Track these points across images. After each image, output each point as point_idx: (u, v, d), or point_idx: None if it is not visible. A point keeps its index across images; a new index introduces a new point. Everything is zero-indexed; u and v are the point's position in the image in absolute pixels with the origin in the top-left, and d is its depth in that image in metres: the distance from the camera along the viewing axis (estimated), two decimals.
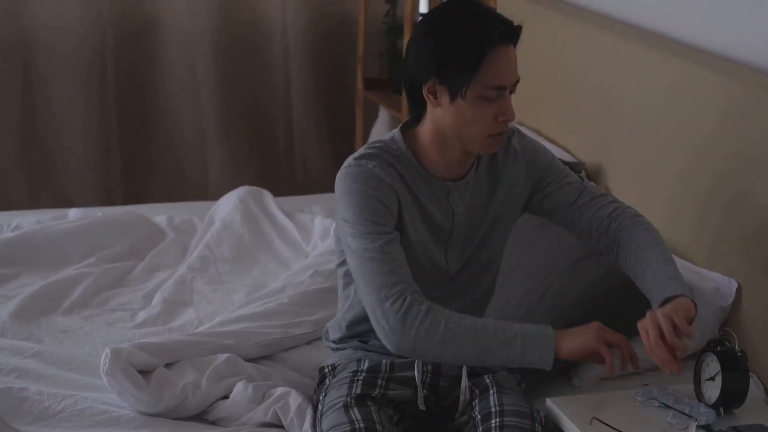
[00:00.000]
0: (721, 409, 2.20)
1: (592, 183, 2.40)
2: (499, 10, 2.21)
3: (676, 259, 2.77)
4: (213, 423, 2.41)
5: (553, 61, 3.58)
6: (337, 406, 2.16)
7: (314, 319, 2.74)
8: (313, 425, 2.26)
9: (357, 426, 2.09)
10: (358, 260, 2.11)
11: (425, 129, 2.20)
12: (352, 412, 2.13)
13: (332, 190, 2.27)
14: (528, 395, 2.29)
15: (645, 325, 2.11)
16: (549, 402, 2.27)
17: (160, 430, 2.33)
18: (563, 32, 3.52)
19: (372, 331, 2.30)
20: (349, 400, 2.16)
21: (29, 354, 2.61)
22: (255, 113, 4.95)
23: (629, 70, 3.11)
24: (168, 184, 4.87)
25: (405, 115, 2.33)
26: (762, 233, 2.53)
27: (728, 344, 2.21)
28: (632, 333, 2.64)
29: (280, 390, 2.39)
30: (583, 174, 3.25)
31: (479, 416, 2.17)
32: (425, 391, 2.25)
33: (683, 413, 2.18)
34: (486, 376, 2.26)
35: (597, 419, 2.15)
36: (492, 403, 2.17)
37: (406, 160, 2.21)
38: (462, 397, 2.25)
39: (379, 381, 2.24)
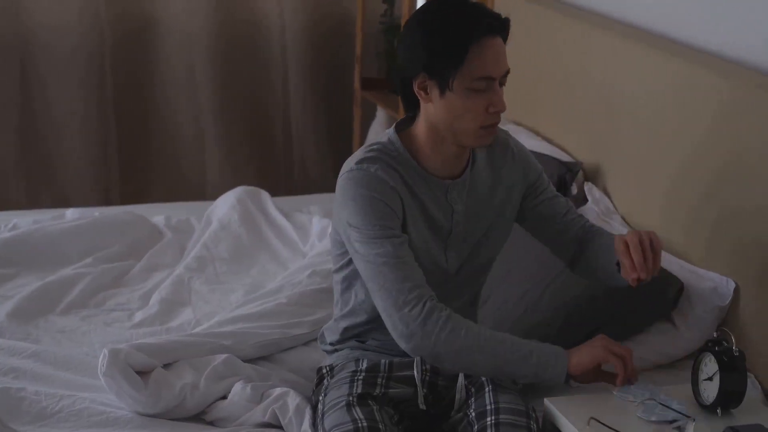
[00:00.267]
0: (719, 410, 2.20)
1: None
2: (497, 10, 2.22)
3: (674, 258, 2.78)
4: (211, 423, 2.41)
5: (552, 61, 3.58)
6: (339, 406, 2.16)
7: (312, 320, 2.74)
8: (314, 425, 2.26)
9: (360, 425, 2.09)
10: (371, 266, 2.13)
11: (420, 127, 2.22)
12: (354, 411, 2.13)
13: (330, 190, 2.27)
14: (525, 395, 2.29)
15: (623, 237, 2.16)
16: (547, 402, 2.27)
17: (158, 431, 2.33)
18: (562, 32, 3.52)
19: (370, 332, 2.31)
20: (351, 399, 2.17)
21: (27, 354, 2.61)
22: (253, 113, 4.94)
23: (628, 70, 3.11)
24: (166, 184, 4.87)
25: (402, 115, 2.33)
26: (760, 233, 2.53)
27: (726, 344, 2.21)
28: (631, 333, 2.66)
29: (278, 390, 2.39)
30: (580, 175, 3.27)
31: (474, 414, 2.18)
32: (424, 390, 2.25)
33: (682, 413, 2.18)
34: None
35: (595, 419, 2.15)
36: (488, 401, 2.18)
37: (404, 161, 2.21)
38: (458, 395, 2.25)
39: (379, 380, 2.25)
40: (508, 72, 2.16)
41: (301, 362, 2.62)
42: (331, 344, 2.39)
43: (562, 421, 2.19)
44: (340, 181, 2.19)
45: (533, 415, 2.17)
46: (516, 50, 3.78)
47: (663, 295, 2.63)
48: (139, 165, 4.85)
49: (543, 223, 2.39)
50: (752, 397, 2.32)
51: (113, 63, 4.67)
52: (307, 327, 2.71)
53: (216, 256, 3.27)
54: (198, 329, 2.73)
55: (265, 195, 3.63)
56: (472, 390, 2.24)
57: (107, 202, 4.72)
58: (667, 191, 2.91)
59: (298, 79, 4.93)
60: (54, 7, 4.52)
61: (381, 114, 4.82)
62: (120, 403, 2.40)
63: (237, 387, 2.41)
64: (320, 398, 2.27)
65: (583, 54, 3.37)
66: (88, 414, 2.36)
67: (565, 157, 3.36)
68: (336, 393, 2.22)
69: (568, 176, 3.25)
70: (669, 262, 2.76)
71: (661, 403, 2.20)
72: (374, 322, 2.28)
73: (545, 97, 3.63)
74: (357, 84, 4.82)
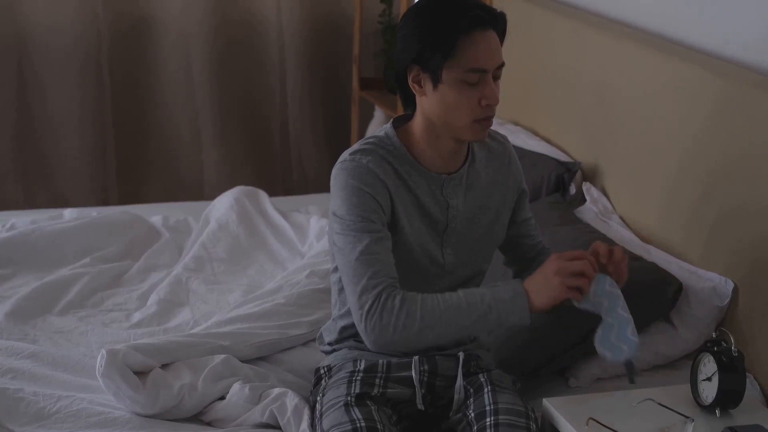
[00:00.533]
0: (718, 410, 2.20)
1: None
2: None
3: (672, 258, 2.78)
4: (209, 424, 2.40)
5: (550, 61, 3.58)
6: (337, 406, 2.16)
7: (311, 320, 2.73)
8: (312, 425, 2.26)
9: (358, 425, 2.09)
10: (346, 260, 2.13)
11: (417, 122, 2.23)
12: (353, 412, 2.13)
13: (328, 190, 2.27)
14: (524, 395, 2.29)
15: (596, 246, 2.17)
16: (546, 402, 2.27)
17: (156, 431, 2.33)
18: (560, 32, 3.52)
19: None
20: (349, 399, 2.17)
21: (24, 355, 2.61)
22: (250, 113, 4.94)
23: (626, 69, 3.11)
24: (163, 184, 4.86)
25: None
26: (758, 232, 2.53)
27: (725, 344, 2.21)
28: None
29: (276, 390, 2.38)
30: (578, 175, 3.27)
31: (473, 415, 2.17)
32: (423, 391, 2.25)
33: (682, 414, 2.18)
34: (481, 375, 2.26)
35: (594, 420, 2.15)
36: (486, 402, 2.17)
37: (400, 155, 2.22)
38: (456, 396, 2.25)
39: (377, 381, 2.24)
40: (502, 65, 2.16)
41: (300, 363, 2.62)
42: (329, 344, 2.39)
43: (561, 422, 2.19)
44: (333, 171, 2.21)
45: (532, 415, 2.17)
46: (515, 50, 3.78)
47: (661, 295, 2.63)
48: (136, 165, 4.84)
49: (514, 239, 2.42)
50: (751, 398, 2.32)
51: (110, 63, 4.67)
52: (305, 327, 2.71)
53: (214, 256, 3.27)
54: (196, 329, 2.72)
55: (263, 195, 3.63)
56: (471, 391, 2.24)
57: (105, 202, 4.71)
58: (666, 190, 2.91)
59: (296, 78, 4.93)
60: (51, 7, 4.52)
61: (379, 114, 4.82)
62: (118, 404, 2.40)
63: (235, 387, 2.41)
64: (318, 398, 2.27)
65: (580, 53, 3.37)
66: (86, 414, 2.35)
67: (563, 157, 3.36)
68: (334, 393, 2.21)
69: (566, 176, 3.25)
70: (667, 262, 2.76)
71: (677, 411, 2.20)
72: None
73: (543, 97, 3.63)
74: (355, 84, 4.82)
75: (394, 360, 2.27)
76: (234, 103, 4.88)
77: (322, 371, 2.35)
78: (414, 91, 2.18)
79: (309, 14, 4.90)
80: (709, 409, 2.21)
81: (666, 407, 2.21)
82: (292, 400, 2.34)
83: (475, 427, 2.15)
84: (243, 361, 2.54)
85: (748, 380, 2.25)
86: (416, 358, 2.25)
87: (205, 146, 4.87)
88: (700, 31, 2.95)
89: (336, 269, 2.29)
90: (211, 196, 3.88)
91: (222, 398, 2.42)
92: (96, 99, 4.68)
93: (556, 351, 2.55)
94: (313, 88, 5.00)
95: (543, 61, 3.61)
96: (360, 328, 2.12)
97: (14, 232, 3.29)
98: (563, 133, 3.51)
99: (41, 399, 2.40)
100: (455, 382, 2.26)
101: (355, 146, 2.23)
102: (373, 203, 2.15)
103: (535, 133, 3.63)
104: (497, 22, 2.15)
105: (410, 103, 2.23)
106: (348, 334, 2.34)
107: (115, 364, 2.35)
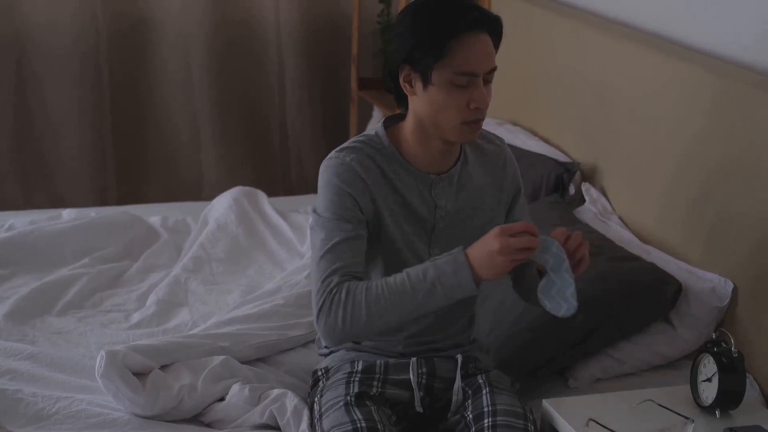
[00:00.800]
0: (718, 411, 2.20)
1: None
2: (494, 10, 2.22)
3: (671, 258, 2.78)
4: (209, 425, 2.40)
5: (549, 62, 3.58)
6: (337, 406, 2.16)
7: (310, 321, 2.73)
8: (311, 426, 2.26)
9: (359, 425, 2.09)
10: (314, 256, 2.15)
11: (408, 121, 2.22)
12: (353, 412, 2.12)
13: None
14: (523, 396, 2.28)
15: (555, 233, 2.10)
16: (545, 403, 2.27)
17: None
18: (559, 32, 3.52)
19: None
20: (349, 399, 2.16)
21: (23, 355, 2.60)
22: (249, 113, 4.94)
23: (625, 69, 3.11)
24: (162, 184, 4.86)
25: None
26: (757, 233, 2.53)
27: (725, 345, 2.21)
28: (629, 334, 2.65)
29: (276, 391, 2.38)
30: (577, 175, 3.27)
31: (472, 416, 2.17)
32: (421, 393, 2.25)
33: (682, 415, 2.18)
34: (479, 377, 2.25)
35: (594, 421, 2.15)
36: (485, 403, 2.17)
37: (388, 153, 2.22)
38: (455, 398, 2.24)
39: (375, 382, 2.24)
40: (494, 69, 2.15)
41: (299, 363, 2.61)
42: (326, 346, 2.39)
43: (561, 423, 2.19)
44: (320, 167, 2.22)
45: (531, 417, 2.16)
46: (514, 50, 3.78)
47: (661, 296, 2.63)
48: (135, 165, 4.84)
49: None
50: (751, 399, 2.32)
51: (109, 62, 4.67)
52: (304, 328, 2.71)
53: (213, 257, 3.26)
54: (195, 330, 2.72)
55: (261, 195, 3.63)
56: (470, 392, 2.23)
57: (103, 202, 4.71)
58: (665, 191, 2.91)
59: (295, 78, 4.93)
60: (50, 7, 4.52)
61: (378, 114, 4.81)
62: (117, 405, 2.39)
63: (235, 388, 2.40)
64: (316, 399, 2.26)
65: (580, 54, 3.37)
66: (85, 416, 2.35)
67: (562, 157, 3.36)
68: (333, 394, 2.21)
69: (565, 176, 3.25)
70: (667, 262, 2.76)
71: (677, 413, 2.19)
72: None
73: (543, 97, 3.63)
74: (353, 84, 4.82)
75: (391, 361, 2.27)
76: (233, 103, 4.88)
77: (319, 373, 2.35)
78: (405, 91, 2.18)
79: (307, 14, 4.89)
80: (709, 410, 2.21)
81: (666, 408, 2.21)
82: (291, 400, 2.34)
83: (474, 429, 2.14)
84: (242, 362, 2.54)
85: (747, 381, 2.25)
86: (414, 360, 2.25)
87: (204, 146, 4.87)
88: (699, 32, 2.95)
89: None
90: (210, 196, 3.88)
91: (221, 399, 2.42)
92: (95, 99, 4.67)
93: (556, 351, 2.55)
94: (311, 88, 4.99)
95: (543, 61, 3.61)
96: (317, 327, 2.12)
97: (13, 232, 3.28)
98: (562, 133, 3.51)
99: (40, 400, 2.40)
100: (453, 384, 2.25)
101: (344, 144, 2.24)
102: (350, 202, 2.15)
103: (534, 133, 3.63)
104: (492, 26, 2.13)
105: (403, 102, 2.23)
106: None
107: (115, 365, 2.34)
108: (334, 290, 2.09)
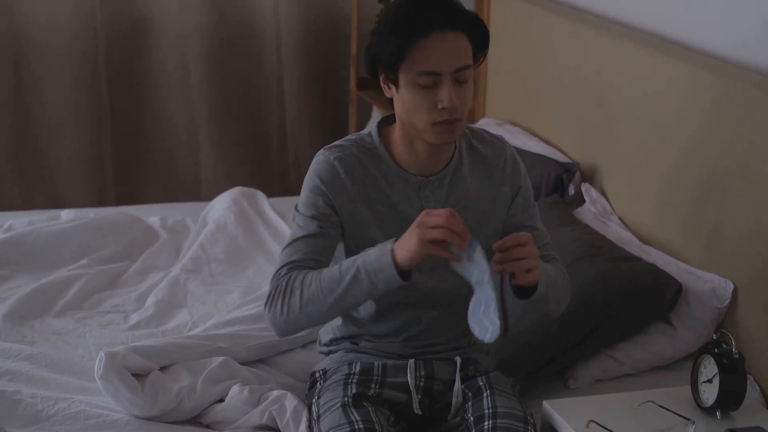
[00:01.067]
0: (719, 412, 2.19)
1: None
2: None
3: (671, 259, 2.78)
4: (208, 426, 2.40)
5: (549, 62, 3.58)
6: (335, 407, 2.15)
7: None
8: (309, 428, 2.25)
9: (357, 426, 2.08)
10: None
11: (396, 123, 2.21)
12: (351, 413, 2.12)
13: None
14: (523, 397, 2.28)
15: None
16: (546, 404, 2.26)
17: None
18: (558, 32, 3.51)
19: (362, 333, 2.30)
20: (346, 400, 2.16)
21: (22, 356, 2.60)
22: (248, 113, 4.93)
23: (624, 70, 3.11)
24: (161, 184, 4.86)
25: None
26: (757, 233, 2.52)
27: (725, 346, 2.21)
28: (629, 335, 2.65)
29: (275, 393, 2.38)
30: (577, 175, 3.27)
31: (472, 418, 2.16)
32: (419, 396, 2.24)
33: (682, 416, 2.17)
34: (479, 378, 2.24)
35: (594, 422, 2.15)
36: (485, 406, 2.16)
37: (377, 154, 2.21)
38: (455, 400, 2.23)
39: (373, 384, 2.23)
40: (465, 68, 2.09)
41: (299, 365, 2.61)
42: (326, 345, 2.38)
43: (561, 424, 2.19)
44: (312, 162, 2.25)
45: (531, 420, 2.15)
46: (514, 50, 3.78)
47: (661, 297, 2.63)
48: (134, 165, 4.84)
49: None
50: (751, 400, 2.32)
51: (108, 63, 4.66)
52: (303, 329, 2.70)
53: (212, 257, 3.26)
54: (194, 331, 2.72)
55: (261, 196, 3.62)
56: (470, 394, 2.22)
57: (102, 202, 4.70)
58: (665, 191, 2.91)
59: (293, 78, 4.92)
60: (48, 7, 4.51)
61: (376, 114, 4.81)
62: (116, 406, 2.39)
63: (234, 390, 2.40)
64: (314, 401, 2.26)
65: (579, 54, 3.36)
66: (84, 417, 2.35)
67: (562, 158, 3.36)
68: (330, 395, 2.20)
69: (565, 177, 3.25)
70: (667, 263, 2.75)
71: (678, 414, 2.19)
72: (366, 322, 2.28)
73: (542, 98, 3.63)
74: (352, 84, 4.82)
75: (390, 363, 2.26)
76: (231, 103, 4.87)
77: (317, 375, 2.34)
78: (385, 93, 2.17)
79: (306, 14, 4.89)
80: (709, 411, 2.21)
81: (666, 409, 2.20)
82: (291, 402, 2.33)
83: (474, 431, 2.14)
84: (242, 363, 2.53)
85: (748, 382, 2.24)
86: (412, 362, 2.24)
87: (203, 146, 4.86)
88: (699, 32, 2.94)
89: None
90: (209, 196, 3.87)
91: (221, 400, 2.41)
92: (93, 99, 4.67)
93: (556, 352, 2.55)
94: (310, 88, 4.99)
95: (543, 62, 3.61)
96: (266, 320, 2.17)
97: (11, 233, 3.28)
98: (562, 133, 3.50)
99: (39, 401, 2.39)
100: (453, 386, 2.24)
101: (335, 142, 2.25)
102: (322, 201, 2.17)
103: (534, 134, 3.63)
104: (465, 24, 2.09)
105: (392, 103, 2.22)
106: (344, 334, 2.33)
107: (114, 366, 2.34)
108: (281, 280, 2.12)
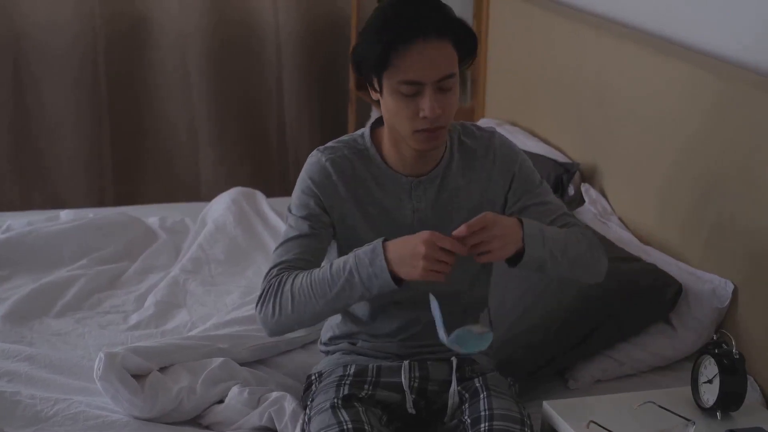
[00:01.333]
0: (719, 412, 2.19)
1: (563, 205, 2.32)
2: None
3: (671, 259, 2.78)
4: (207, 427, 2.40)
5: (548, 62, 3.57)
6: (324, 408, 2.15)
7: None
8: (302, 429, 2.25)
9: (345, 427, 2.08)
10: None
11: (386, 125, 2.21)
12: (339, 413, 2.11)
13: None
14: (522, 398, 2.27)
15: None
16: (546, 405, 2.26)
17: None
18: (558, 32, 3.51)
19: (360, 333, 2.30)
20: (336, 401, 2.15)
21: (21, 357, 2.60)
22: (247, 113, 4.93)
23: (624, 70, 3.10)
24: (160, 184, 4.85)
25: None
26: (758, 233, 2.52)
27: (726, 347, 2.21)
28: (628, 335, 2.65)
29: (275, 394, 2.37)
30: (577, 175, 3.27)
31: (469, 420, 2.15)
32: (414, 396, 2.23)
33: (682, 416, 2.17)
34: (476, 380, 2.23)
35: (594, 423, 2.14)
36: (482, 407, 2.15)
37: (369, 155, 2.21)
38: (451, 402, 2.22)
39: (366, 385, 2.23)
40: (449, 76, 2.07)
41: (298, 366, 2.61)
42: (325, 343, 2.38)
43: (561, 424, 2.19)
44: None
45: (528, 422, 2.14)
46: (514, 50, 3.78)
47: (661, 297, 2.63)
48: (133, 165, 4.83)
49: None
50: (752, 400, 2.32)
51: (107, 63, 4.66)
52: (303, 330, 2.70)
53: (211, 258, 3.26)
54: (194, 332, 2.71)
55: (260, 196, 3.62)
56: (467, 396, 2.21)
57: (101, 203, 4.70)
58: (665, 191, 2.91)
59: (293, 79, 4.92)
60: (47, 7, 4.51)
61: (375, 115, 4.80)
62: (116, 407, 2.38)
63: (234, 391, 2.40)
64: (308, 403, 2.26)
65: (579, 54, 3.36)
66: (83, 418, 2.34)
67: (561, 158, 3.36)
68: (322, 397, 2.20)
69: (565, 177, 3.25)
70: (667, 263, 2.75)
71: (678, 414, 2.19)
72: (365, 322, 2.28)
73: (542, 98, 3.63)
74: (352, 84, 4.81)
75: (384, 364, 2.26)
76: (231, 103, 4.87)
77: (313, 377, 2.34)
78: (372, 96, 2.16)
79: (306, 14, 4.89)
80: (710, 412, 2.20)
81: (667, 410, 2.20)
82: (290, 403, 2.33)
83: None
84: (241, 364, 2.53)
85: (748, 382, 2.24)
86: (406, 363, 2.24)
87: (202, 146, 4.86)
88: (699, 32, 2.94)
89: None
90: (209, 197, 3.87)
91: (220, 401, 2.41)
92: (92, 99, 4.66)
93: (556, 352, 2.55)
94: (310, 89, 4.99)
95: (542, 62, 3.61)
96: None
97: (11, 233, 3.28)
98: (562, 133, 3.50)
99: (38, 402, 2.39)
100: (449, 387, 2.23)
101: (329, 143, 2.25)
102: (314, 202, 2.18)
103: (534, 134, 3.62)
104: (446, 33, 2.06)
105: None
106: (343, 333, 2.33)
107: (113, 367, 2.34)
108: (272, 281, 2.13)
